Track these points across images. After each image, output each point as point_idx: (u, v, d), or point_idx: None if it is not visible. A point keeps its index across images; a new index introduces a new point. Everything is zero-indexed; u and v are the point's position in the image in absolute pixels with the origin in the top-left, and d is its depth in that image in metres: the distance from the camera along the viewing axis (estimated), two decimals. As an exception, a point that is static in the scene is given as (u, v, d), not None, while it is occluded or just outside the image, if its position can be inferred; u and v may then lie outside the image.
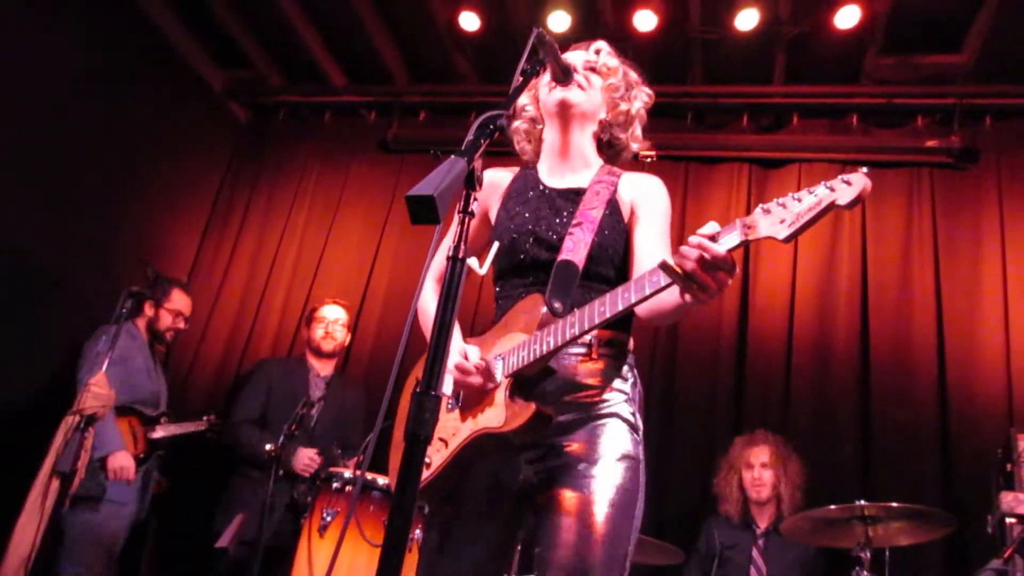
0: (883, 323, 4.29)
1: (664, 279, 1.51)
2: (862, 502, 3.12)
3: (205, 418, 4.23)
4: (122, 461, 3.78)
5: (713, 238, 1.46)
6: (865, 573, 3.10)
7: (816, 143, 4.79)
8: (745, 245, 1.46)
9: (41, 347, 4.21)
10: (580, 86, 1.98)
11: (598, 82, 2.03)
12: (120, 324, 3.78)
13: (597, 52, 2.07)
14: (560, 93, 1.97)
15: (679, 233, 4.65)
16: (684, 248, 1.46)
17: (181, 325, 4.30)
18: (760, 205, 1.46)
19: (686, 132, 5.01)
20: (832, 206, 1.38)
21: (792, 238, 1.43)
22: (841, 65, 4.73)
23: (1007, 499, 3.28)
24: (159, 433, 3.99)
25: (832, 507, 3.19)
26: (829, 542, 3.43)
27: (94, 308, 4.21)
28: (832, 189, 1.38)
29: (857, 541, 3.18)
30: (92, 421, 3.58)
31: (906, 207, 4.52)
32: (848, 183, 1.37)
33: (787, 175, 4.77)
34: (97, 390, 3.64)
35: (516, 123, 2.13)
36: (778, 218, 1.43)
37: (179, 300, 4.26)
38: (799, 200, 1.41)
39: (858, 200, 1.36)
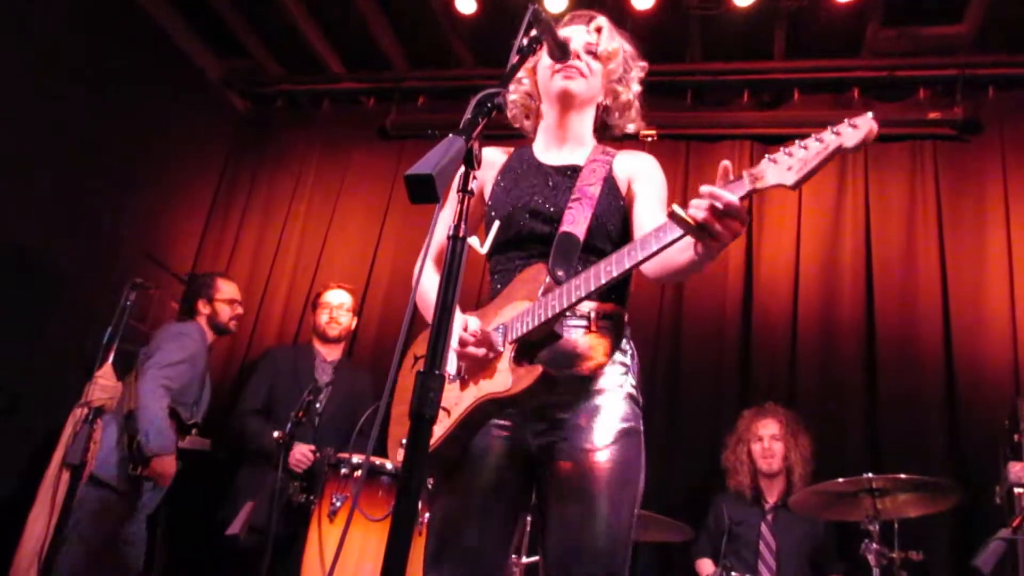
0: (888, 296, 4.28)
1: (672, 233, 1.51)
2: (870, 475, 3.12)
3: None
4: (169, 468, 3.76)
5: (725, 187, 1.46)
6: (874, 545, 3.10)
7: (818, 118, 4.73)
8: (753, 194, 1.46)
9: (45, 342, 4.22)
10: (581, 73, 1.98)
11: (598, 67, 2.02)
12: (123, 318, 3.79)
13: (598, 31, 2.05)
14: (562, 82, 1.97)
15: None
16: (695, 200, 1.46)
17: (239, 311, 4.34)
18: (767, 155, 1.46)
19: (686, 110, 4.99)
20: (839, 150, 1.39)
21: (799, 184, 1.43)
22: (842, 38, 4.69)
23: (1015, 469, 3.28)
24: (186, 444, 3.98)
25: (840, 480, 3.19)
26: (838, 515, 3.44)
27: (97, 302, 4.22)
28: (838, 133, 1.39)
29: (866, 514, 3.18)
30: (100, 413, 3.59)
31: (909, 180, 4.50)
32: (854, 126, 1.38)
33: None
34: (104, 382, 3.66)
35: (512, 96, 2.12)
36: (785, 166, 1.44)
37: (227, 288, 4.28)
38: (805, 147, 1.42)
39: (864, 143, 1.38)
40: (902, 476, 3.14)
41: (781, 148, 1.45)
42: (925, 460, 3.80)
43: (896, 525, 3.28)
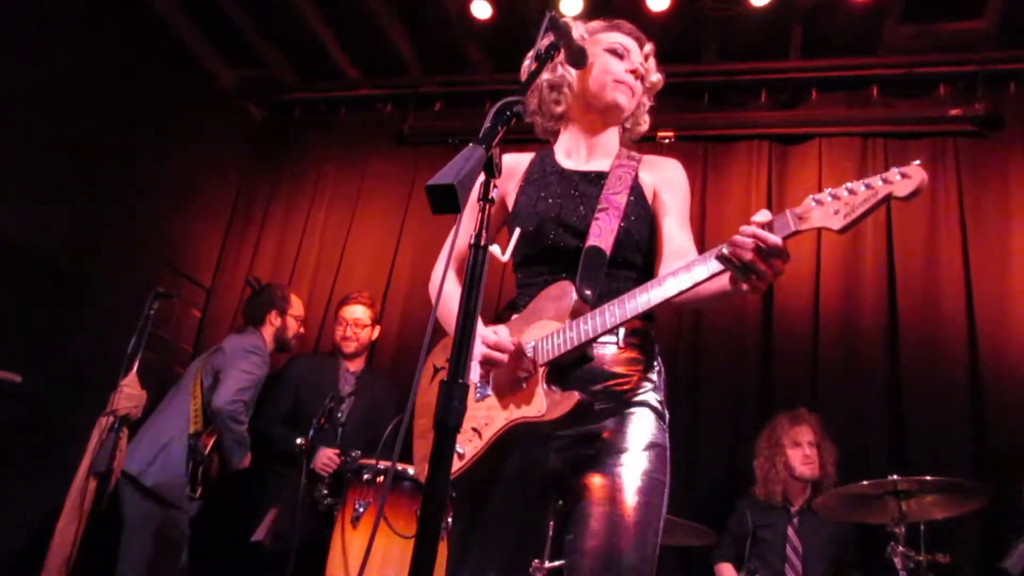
0: (911, 296, 4.23)
1: (710, 268, 1.53)
2: (895, 477, 3.09)
3: None
4: (247, 461, 3.95)
5: (768, 227, 1.46)
6: (900, 548, 3.07)
7: (836, 117, 4.72)
8: (796, 234, 1.47)
9: (69, 351, 4.26)
10: (633, 92, 2.02)
11: (639, 91, 2.06)
12: (147, 327, 3.84)
13: (647, 58, 2.09)
14: (616, 95, 1.99)
15: (699, 212, 4.63)
16: (739, 238, 1.47)
17: (302, 330, 4.37)
18: (811, 196, 1.47)
19: (703, 112, 4.97)
20: (889, 197, 1.39)
21: (847, 230, 1.44)
22: (859, 36, 4.65)
23: (1043, 469, 3.24)
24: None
25: (865, 483, 3.16)
26: (863, 518, 3.40)
27: (120, 311, 4.27)
28: (888, 181, 1.39)
29: (891, 516, 3.15)
30: (126, 422, 3.63)
31: (931, 178, 4.42)
32: (906, 176, 1.38)
33: (807, 151, 4.72)
34: (130, 391, 3.70)
35: (545, 77, 2.05)
36: (831, 209, 1.44)
37: (298, 304, 4.33)
38: (853, 192, 1.42)
39: (917, 192, 1.38)
40: (928, 478, 3.10)
41: (826, 190, 1.45)
42: (951, 461, 3.75)
43: (922, 527, 3.24)
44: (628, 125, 2.12)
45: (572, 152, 2.07)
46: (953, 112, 4.47)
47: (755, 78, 4.93)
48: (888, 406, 4.09)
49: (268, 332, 4.19)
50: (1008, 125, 4.43)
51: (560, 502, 1.84)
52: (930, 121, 4.54)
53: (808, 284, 4.41)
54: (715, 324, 4.49)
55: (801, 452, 3.74)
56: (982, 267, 4.18)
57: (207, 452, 3.76)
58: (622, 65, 2.00)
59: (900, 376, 4.11)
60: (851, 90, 4.80)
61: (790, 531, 3.73)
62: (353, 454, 3.66)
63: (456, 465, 1.77)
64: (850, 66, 4.77)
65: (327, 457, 3.85)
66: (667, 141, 4.76)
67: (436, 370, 1.99)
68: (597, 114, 2.04)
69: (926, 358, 4.10)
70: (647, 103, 2.13)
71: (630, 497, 1.68)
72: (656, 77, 2.10)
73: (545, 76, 2.03)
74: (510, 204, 2.04)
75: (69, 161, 4.38)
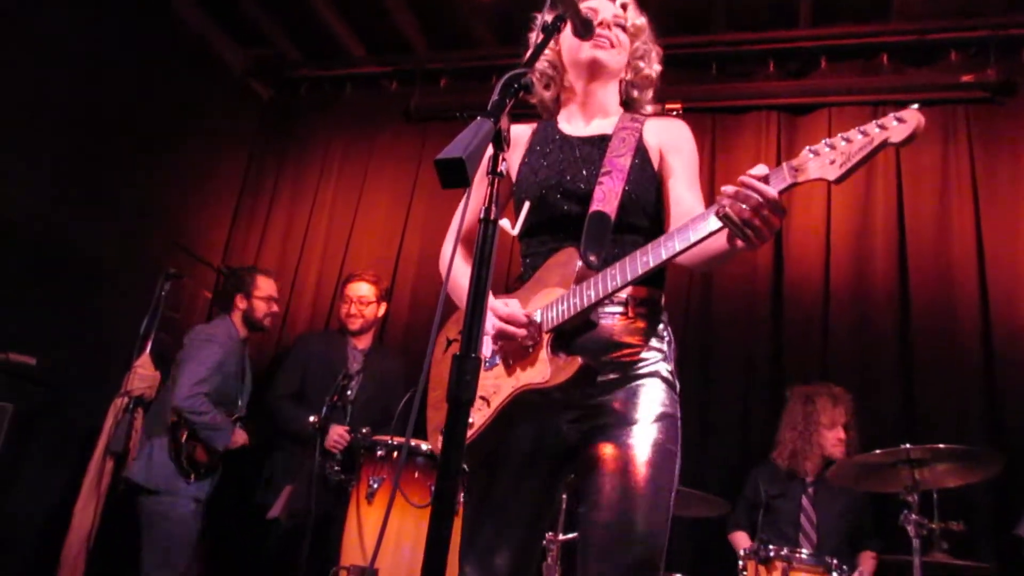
0: (922, 264, 4.21)
1: (710, 226, 1.51)
2: (908, 445, 3.09)
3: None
4: (240, 439, 4.00)
5: (764, 180, 1.44)
6: (914, 516, 3.07)
7: (846, 86, 4.67)
8: (794, 187, 1.45)
9: (82, 332, 4.29)
10: (612, 43, 1.97)
11: (625, 41, 2.01)
12: (159, 308, 3.87)
13: (624, 7, 2.04)
14: (592, 51, 1.95)
15: (708, 186, 4.60)
16: (736, 191, 1.45)
17: (275, 308, 4.36)
18: (807, 148, 1.45)
19: (711, 83, 4.92)
20: (884, 144, 1.36)
21: (843, 179, 1.42)
22: (869, 3, 4.59)
23: (1056, 436, 3.24)
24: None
25: (878, 452, 3.16)
26: (876, 487, 3.41)
27: (131, 293, 4.29)
28: (883, 127, 1.36)
29: (904, 485, 3.15)
30: (140, 403, 3.68)
31: (942, 146, 4.40)
32: (901, 120, 1.35)
33: (817, 120, 4.67)
34: (143, 372, 3.74)
35: (536, 69, 2.07)
36: (827, 159, 1.41)
37: (265, 285, 4.30)
38: (848, 140, 1.39)
39: (912, 137, 1.34)
40: (941, 446, 3.10)
41: (822, 140, 1.43)
42: (964, 429, 3.75)
43: (935, 496, 3.25)
44: (629, 77, 2.06)
45: (573, 119, 2.05)
46: (965, 79, 4.41)
47: (764, 47, 4.87)
48: (900, 374, 4.08)
49: (237, 316, 4.20)
50: (1021, 91, 4.37)
51: (572, 476, 1.85)
52: (942, 88, 4.48)
53: (819, 253, 4.39)
54: (725, 293, 4.47)
55: (836, 434, 3.74)
56: (994, 235, 4.14)
57: (184, 441, 3.80)
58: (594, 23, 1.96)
59: (912, 344, 4.10)
60: (861, 58, 4.73)
61: (804, 501, 3.75)
62: (364, 431, 3.69)
63: (467, 434, 1.77)
64: (860, 34, 4.70)
65: (338, 434, 3.88)
66: (675, 113, 4.72)
67: (449, 342, 1.99)
68: (585, 76, 2.01)
69: (938, 326, 4.08)
70: (645, 48, 2.05)
71: (642, 468, 1.67)
72: (640, 20, 2.04)
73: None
74: (514, 175, 2.02)
75: (79, 143, 4.39)
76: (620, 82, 2.05)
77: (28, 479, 4.03)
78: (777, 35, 4.83)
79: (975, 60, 4.47)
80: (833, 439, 3.75)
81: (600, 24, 1.96)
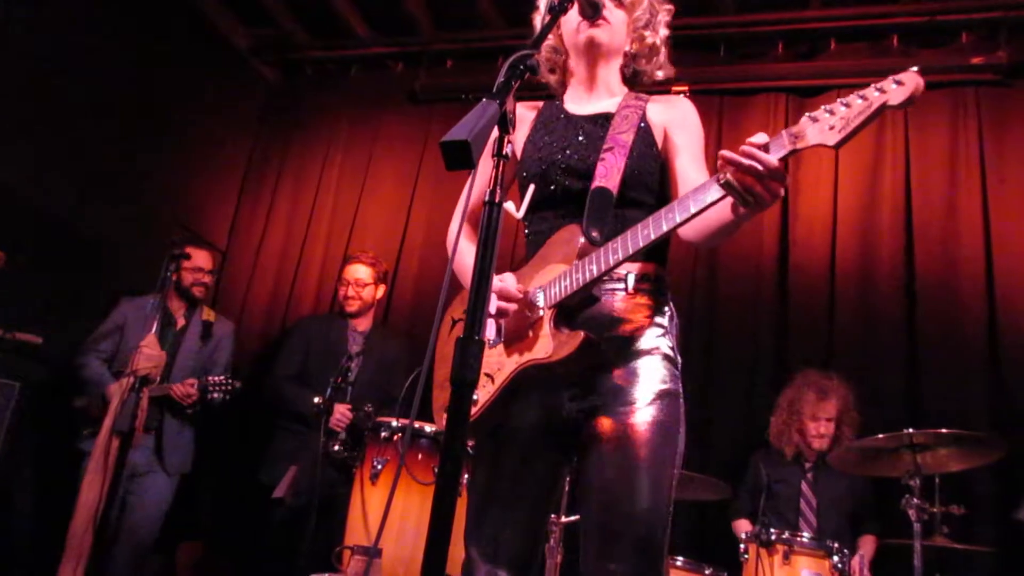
0: (929, 247, 4.19)
1: (711, 195, 1.51)
2: (910, 430, 3.09)
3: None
4: (97, 406, 3.94)
5: (764, 148, 1.44)
6: (915, 500, 3.08)
7: (855, 68, 4.62)
8: (794, 154, 1.43)
9: (86, 313, 4.31)
10: (607, 21, 1.94)
11: (622, 16, 1.98)
12: (164, 288, 3.88)
13: None
14: (588, 31, 1.94)
15: (714, 169, 4.56)
16: (736, 158, 1.44)
17: (205, 279, 4.33)
18: (807, 114, 1.43)
19: (719, 64, 4.89)
20: (884, 107, 1.35)
21: (842, 144, 1.40)
22: (879, -16, 4.55)
23: (1059, 421, 3.24)
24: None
25: (880, 436, 3.17)
26: (878, 471, 3.41)
27: (138, 273, 4.30)
28: (882, 91, 1.35)
29: (906, 469, 3.16)
30: (146, 382, 3.69)
31: (951, 128, 4.37)
32: (900, 83, 1.33)
33: (825, 103, 4.62)
34: (149, 351, 3.75)
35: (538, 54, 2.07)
36: (826, 124, 1.41)
37: (198, 257, 4.26)
38: (847, 105, 1.39)
39: (911, 100, 1.33)
40: (943, 431, 3.11)
41: (822, 106, 1.41)
42: (966, 414, 3.75)
43: (937, 480, 3.26)
44: (633, 49, 2.02)
45: (577, 98, 2.04)
46: (975, 60, 4.37)
47: (773, 29, 4.83)
48: (905, 358, 4.07)
49: (170, 288, 4.19)
50: (1031, 73, 4.34)
51: (576, 457, 1.85)
52: (952, 70, 4.44)
53: (825, 235, 4.38)
54: (730, 273, 4.46)
55: (817, 427, 3.75)
56: (1002, 218, 4.12)
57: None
58: None
59: (916, 328, 4.09)
60: (871, 40, 4.70)
61: (804, 486, 3.76)
62: (367, 408, 3.72)
63: (471, 411, 1.78)
64: (870, 15, 4.65)
65: (340, 412, 3.90)
66: (682, 94, 4.68)
67: (454, 322, 2.00)
68: (583, 56, 2.00)
69: (943, 311, 4.07)
70: (647, 17, 2.01)
71: (643, 445, 1.67)
72: None
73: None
74: (519, 154, 2.02)
75: (84, 124, 4.39)
76: (625, 55, 2.03)
77: (34, 457, 4.06)
78: (786, 16, 4.79)
79: (985, 42, 4.43)
80: (814, 431, 3.76)
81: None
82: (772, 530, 3.31)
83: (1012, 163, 4.21)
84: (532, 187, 1.86)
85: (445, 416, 1.31)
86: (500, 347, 1.82)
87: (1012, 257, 4.05)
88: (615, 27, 1.96)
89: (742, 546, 3.38)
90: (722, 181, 1.45)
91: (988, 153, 4.26)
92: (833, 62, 4.70)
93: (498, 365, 1.80)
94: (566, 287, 1.71)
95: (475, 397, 1.79)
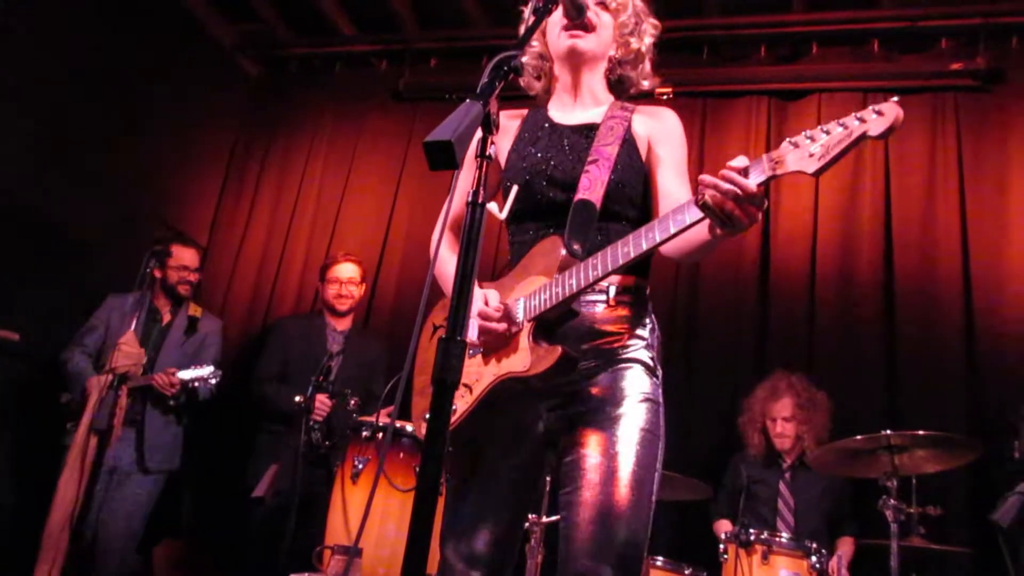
0: (908, 251, 4.23)
1: (690, 216, 1.51)
2: (888, 431, 3.12)
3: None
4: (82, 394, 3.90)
5: (744, 173, 1.44)
6: (892, 501, 3.11)
7: (836, 72, 4.67)
8: (773, 179, 1.45)
9: (67, 311, 4.27)
10: (592, 26, 1.93)
11: (608, 20, 1.98)
12: (146, 285, 3.85)
13: None
14: (569, 40, 1.93)
15: (697, 171, 4.58)
16: (716, 182, 1.44)
17: (190, 277, 4.31)
18: (787, 139, 1.44)
19: (702, 67, 4.92)
20: (863, 137, 1.36)
21: (822, 172, 1.42)
22: (861, -11, 4.59)
23: (1034, 424, 3.28)
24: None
25: (858, 437, 3.20)
26: (856, 472, 3.44)
27: (119, 271, 4.26)
28: (862, 120, 1.36)
29: (884, 470, 3.19)
30: (124, 380, 3.66)
31: (930, 133, 4.42)
32: (880, 113, 1.35)
33: (807, 106, 4.67)
34: (128, 349, 3.72)
35: (523, 59, 2.07)
36: (806, 152, 1.41)
37: (182, 255, 4.26)
38: (827, 132, 1.40)
39: (891, 130, 1.35)
40: (920, 432, 3.14)
41: (802, 132, 1.42)
42: (944, 416, 3.78)
43: (914, 481, 3.30)
44: (619, 55, 2.01)
45: (562, 106, 2.03)
46: (954, 66, 4.42)
47: (755, 32, 4.87)
48: (883, 361, 4.11)
49: (156, 286, 4.19)
50: (1010, 79, 4.39)
51: (556, 458, 1.86)
52: (931, 76, 4.49)
53: (806, 241, 4.41)
54: (712, 281, 4.49)
55: (775, 427, 3.80)
56: (980, 223, 4.17)
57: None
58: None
59: (895, 331, 4.13)
60: (852, 44, 4.74)
61: (782, 486, 3.79)
62: (353, 400, 3.72)
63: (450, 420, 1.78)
64: (852, 20, 4.70)
65: (319, 402, 3.88)
66: (665, 96, 4.71)
67: (435, 328, 1.99)
68: (566, 65, 2.00)
69: (921, 314, 4.11)
70: (633, 22, 2.00)
71: (624, 451, 1.68)
72: None
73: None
74: (503, 162, 2.01)
75: (64, 119, 4.34)
76: (609, 60, 2.02)
77: (9, 455, 4.01)
78: (770, 20, 4.82)
79: (965, 48, 4.48)
80: (772, 431, 3.82)
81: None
82: (751, 530, 3.33)
83: (990, 167, 4.26)
84: (515, 189, 1.86)
85: (424, 423, 1.31)
86: (479, 357, 1.82)
87: (989, 262, 4.09)
88: (599, 32, 1.95)
89: (722, 546, 3.40)
90: (700, 202, 1.46)
91: (966, 158, 4.31)
92: (815, 66, 4.74)
93: (476, 376, 1.80)
94: (545, 300, 1.71)
95: (455, 406, 1.79)
